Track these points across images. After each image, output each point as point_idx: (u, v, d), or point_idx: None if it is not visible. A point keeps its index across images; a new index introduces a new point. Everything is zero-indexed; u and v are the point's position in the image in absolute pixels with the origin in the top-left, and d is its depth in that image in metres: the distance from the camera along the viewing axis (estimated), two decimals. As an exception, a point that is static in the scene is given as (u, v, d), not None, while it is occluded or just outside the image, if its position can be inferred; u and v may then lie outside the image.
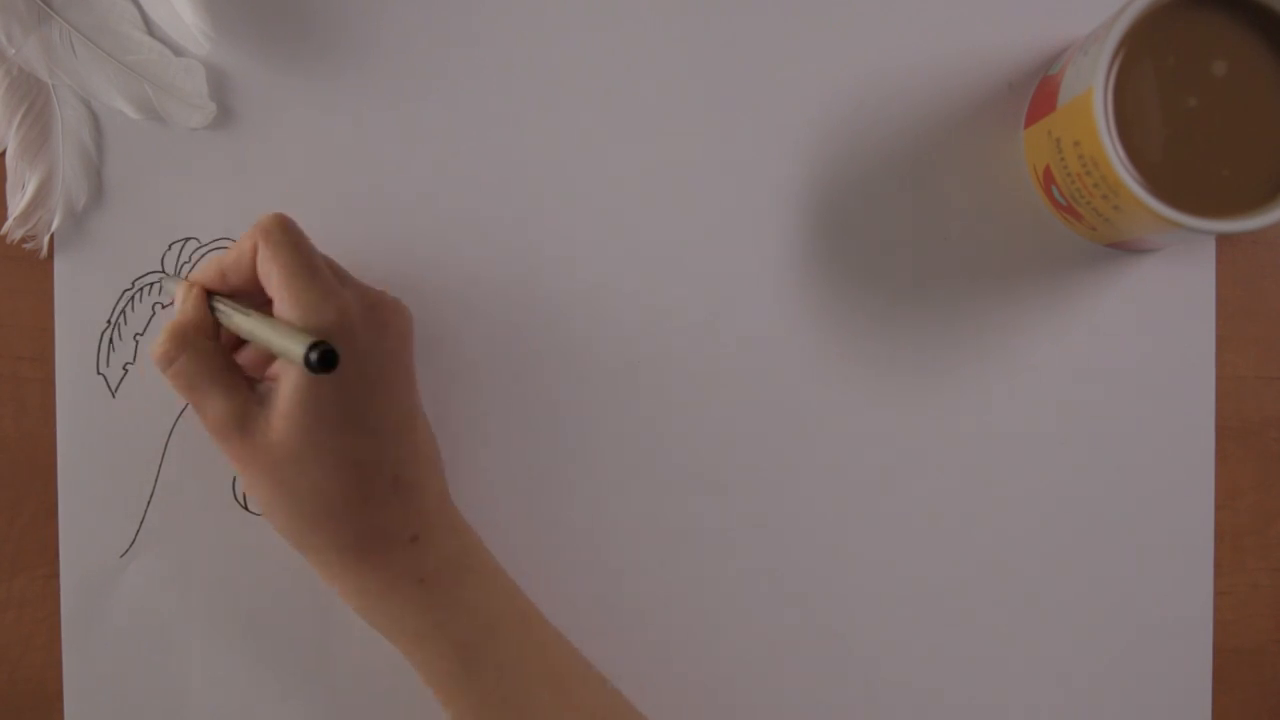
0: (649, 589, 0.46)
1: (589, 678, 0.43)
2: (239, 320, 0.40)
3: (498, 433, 0.46)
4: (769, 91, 0.46)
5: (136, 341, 0.46)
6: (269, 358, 0.41)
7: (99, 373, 0.46)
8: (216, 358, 0.40)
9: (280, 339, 0.37)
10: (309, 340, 0.35)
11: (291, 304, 0.38)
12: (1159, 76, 0.39)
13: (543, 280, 0.47)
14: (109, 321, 0.46)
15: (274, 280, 0.39)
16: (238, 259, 0.40)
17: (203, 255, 0.47)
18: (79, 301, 0.46)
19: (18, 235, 0.46)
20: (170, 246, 0.47)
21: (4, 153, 0.46)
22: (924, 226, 0.46)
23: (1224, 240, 0.46)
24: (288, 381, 0.39)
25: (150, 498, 0.46)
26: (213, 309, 0.41)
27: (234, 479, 0.46)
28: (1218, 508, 0.46)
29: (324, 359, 0.35)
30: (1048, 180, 0.44)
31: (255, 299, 0.41)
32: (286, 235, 0.39)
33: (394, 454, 0.41)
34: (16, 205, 0.46)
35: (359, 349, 0.39)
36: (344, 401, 0.39)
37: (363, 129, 0.46)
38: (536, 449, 0.46)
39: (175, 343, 0.40)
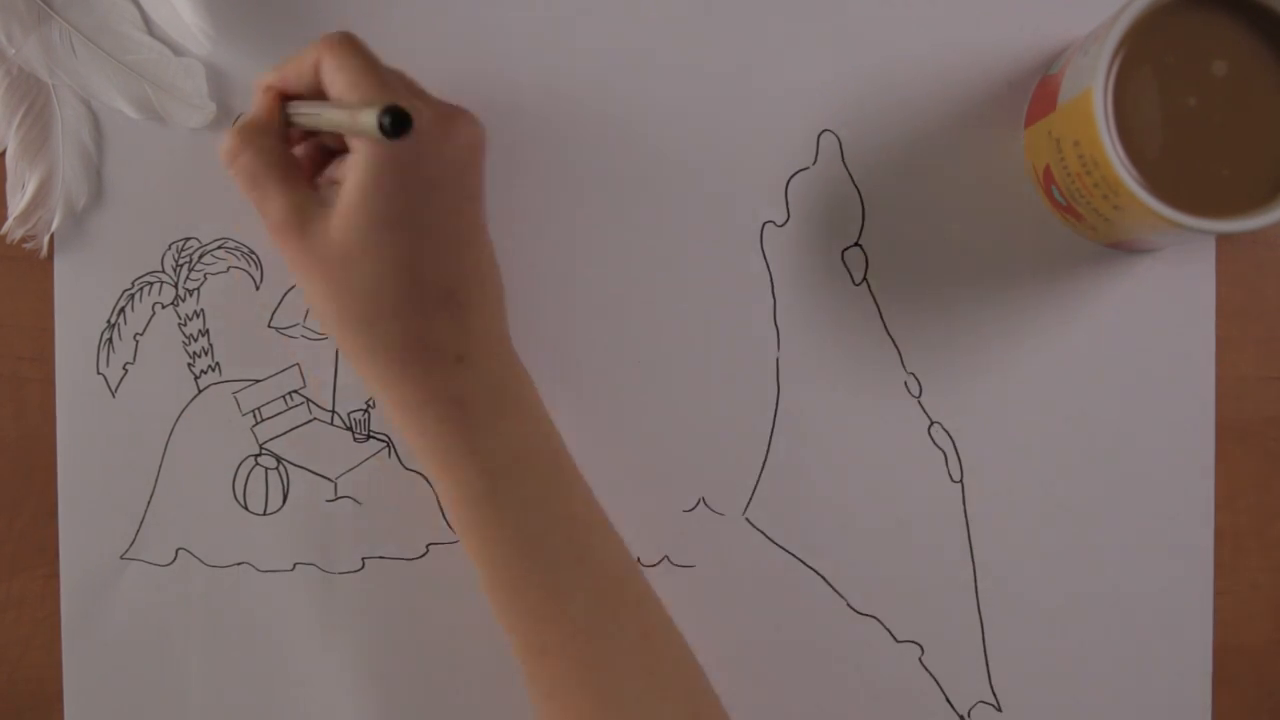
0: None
1: (609, 537, 0.42)
2: (310, 110, 0.40)
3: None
4: (769, 91, 0.46)
5: (136, 341, 0.46)
6: (342, 169, 0.41)
7: (99, 373, 0.46)
8: (280, 155, 0.40)
9: (350, 114, 0.36)
10: (380, 105, 0.34)
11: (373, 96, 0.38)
12: (1159, 76, 0.39)
13: (542, 279, 0.47)
14: (109, 322, 0.46)
15: (339, 88, 0.39)
16: (299, 71, 0.40)
17: (202, 255, 0.47)
18: (79, 301, 0.46)
19: (18, 235, 0.46)
20: (170, 246, 0.47)
21: (4, 153, 0.46)
22: (924, 226, 0.46)
23: (1224, 240, 0.46)
24: (352, 178, 0.39)
25: (150, 498, 0.47)
26: (284, 111, 0.41)
27: (234, 478, 0.46)
28: (1218, 508, 0.46)
29: (396, 120, 0.34)
30: (1048, 180, 0.44)
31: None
32: (352, 46, 0.40)
33: (451, 267, 0.40)
34: (16, 205, 0.46)
35: (424, 152, 0.39)
36: (405, 203, 0.39)
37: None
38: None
39: (242, 138, 0.40)
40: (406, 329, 0.40)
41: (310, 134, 0.43)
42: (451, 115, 0.40)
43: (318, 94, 0.41)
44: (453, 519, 0.41)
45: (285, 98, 0.42)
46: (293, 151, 0.42)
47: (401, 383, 0.40)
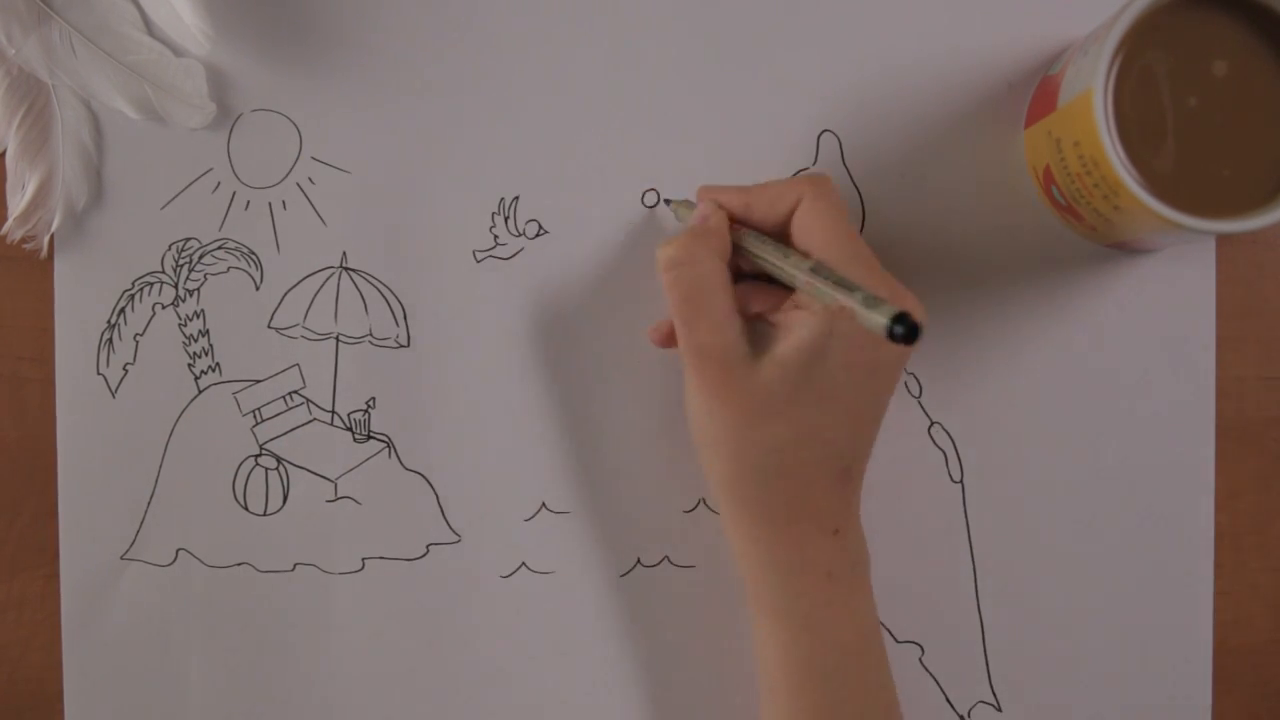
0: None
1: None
2: (780, 264, 0.39)
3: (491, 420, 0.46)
4: (769, 91, 0.46)
5: (136, 341, 0.46)
6: (775, 297, 0.41)
7: (99, 373, 0.46)
8: (722, 279, 0.40)
9: (854, 296, 0.35)
10: (894, 311, 0.33)
11: (847, 269, 0.38)
12: (1159, 76, 0.39)
13: (542, 277, 0.47)
14: (109, 322, 0.46)
15: (818, 238, 0.39)
16: (774, 199, 0.40)
17: (202, 256, 0.47)
18: (79, 301, 0.46)
19: (18, 235, 0.46)
20: (170, 246, 0.47)
21: (4, 153, 0.46)
22: (924, 226, 0.46)
23: (1224, 240, 0.46)
24: (801, 333, 0.38)
25: (150, 498, 0.47)
26: (738, 239, 0.41)
27: (234, 478, 0.46)
28: (1218, 508, 0.46)
29: (910, 331, 0.33)
30: (1048, 180, 0.44)
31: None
32: (834, 200, 0.40)
33: (856, 445, 0.40)
34: (16, 205, 0.46)
35: (873, 338, 0.38)
36: (843, 378, 0.39)
37: (362, 128, 0.46)
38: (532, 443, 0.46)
39: (691, 251, 0.39)
40: (802, 494, 0.39)
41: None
42: (899, 296, 0.40)
43: (780, 228, 0.41)
44: (780, 678, 0.41)
45: (736, 220, 0.41)
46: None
47: (776, 543, 0.40)
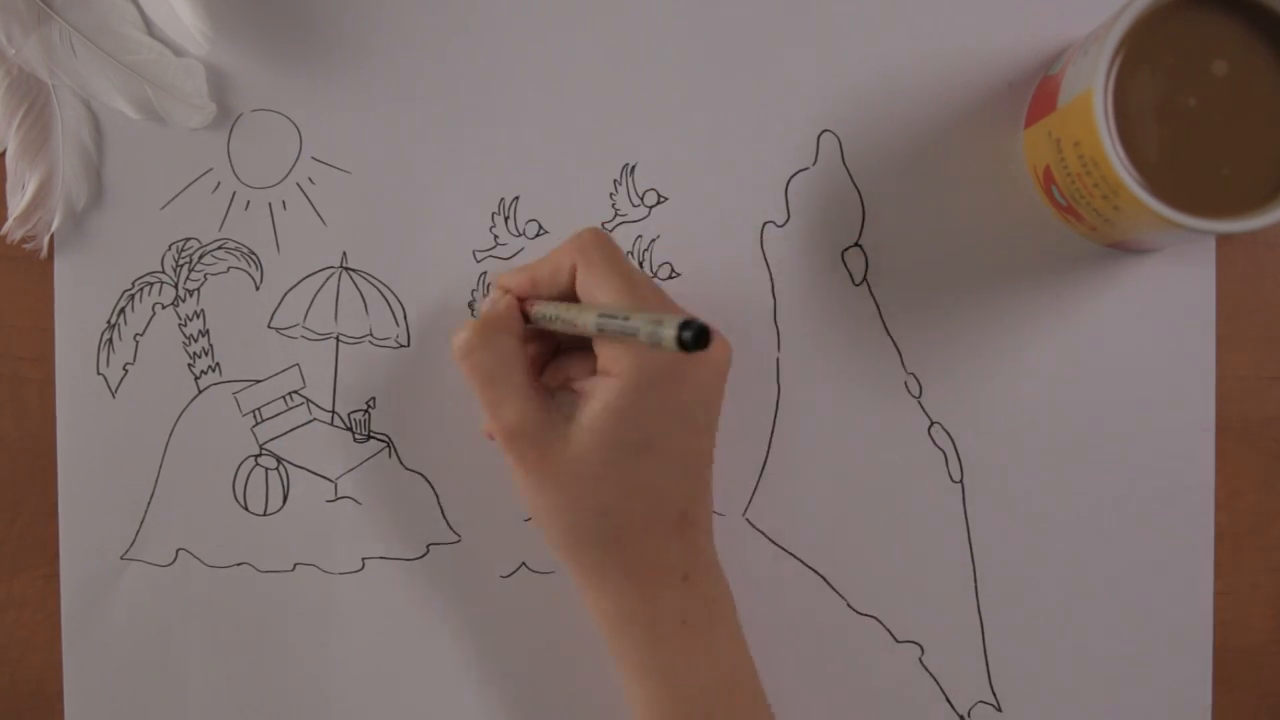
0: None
1: None
2: (571, 316, 0.38)
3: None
4: (769, 91, 0.46)
5: (136, 341, 0.46)
6: (566, 378, 0.41)
7: (99, 373, 0.46)
8: (519, 358, 0.40)
9: (635, 323, 0.35)
10: (678, 319, 0.32)
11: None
12: (1159, 76, 0.39)
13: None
14: (109, 322, 0.46)
15: (601, 290, 0.39)
16: (554, 272, 0.40)
17: (202, 256, 0.47)
18: (79, 301, 0.46)
19: (18, 235, 0.46)
20: (170, 246, 0.47)
21: (4, 153, 0.46)
22: (924, 226, 0.46)
23: (1224, 240, 0.46)
24: (603, 399, 0.38)
25: (150, 498, 0.47)
26: (526, 314, 0.41)
27: (234, 478, 0.46)
28: (1218, 508, 0.46)
29: (699, 336, 0.32)
30: (1048, 180, 0.44)
31: None
32: (608, 254, 0.40)
33: (688, 488, 0.40)
34: (16, 205, 0.46)
35: (677, 379, 0.39)
36: (656, 428, 0.39)
37: (362, 128, 0.46)
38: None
39: (482, 336, 0.40)
40: (641, 547, 0.40)
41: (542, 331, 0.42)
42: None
43: (568, 297, 0.41)
44: None
45: (524, 297, 0.41)
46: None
47: (628, 600, 0.40)
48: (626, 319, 0.36)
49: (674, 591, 0.40)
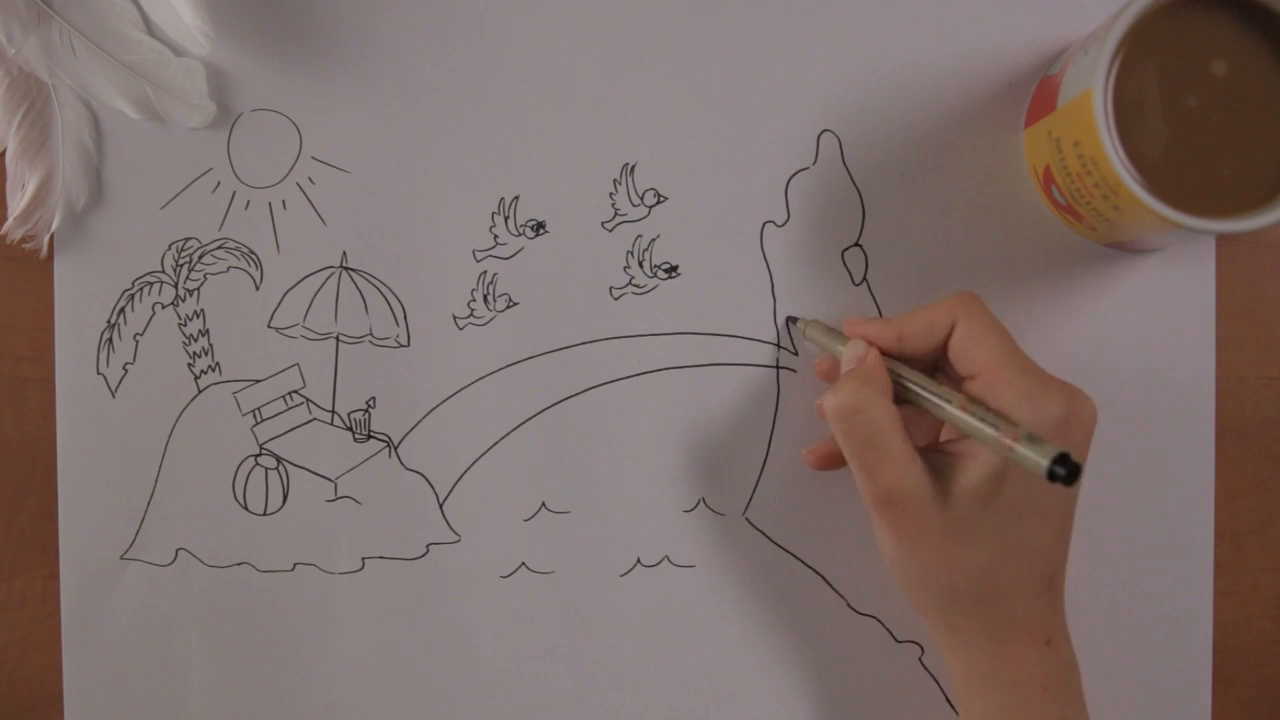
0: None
1: None
2: (941, 403, 0.39)
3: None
4: (769, 91, 0.46)
5: (136, 341, 0.46)
6: (924, 434, 0.41)
7: (99, 373, 0.46)
8: (895, 421, 0.39)
9: (1012, 441, 0.36)
10: (1054, 453, 0.34)
11: (1012, 393, 0.38)
12: (1159, 76, 0.39)
13: (543, 277, 0.47)
14: (109, 322, 0.46)
15: (981, 360, 0.39)
16: (927, 329, 0.40)
17: (202, 256, 0.47)
18: (79, 301, 0.46)
19: (18, 235, 0.46)
20: (170, 246, 0.47)
21: (4, 153, 0.46)
22: (924, 226, 0.46)
23: (1224, 240, 0.46)
24: (983, 463, 0.38)
25: (150, 498, 0.47)
26: (895, 377, 0.41)
27: (234, 478, 0.46)
28: (1218, 508, 0.46)
29: (1071, 473, 0.33)
30: (1048, 180, 0.44)
31: (919, 364, 0.41)
32: (990, 314, 0.39)
33: (1056, 553, 0.40)
34: (16, 205, 0.46)
35: (1055, 444, 0.38)
36: (1029, 491, 0.38)
37: (362, 128, 0.46)
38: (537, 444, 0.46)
39: (863, 398, 0.39)
40: (1012, 611, 0.39)
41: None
42: (1082, 398, 0.39)
43: (935, 354, 0.41)
44: None
45: (889, 354, 0.41)
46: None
47: (992, 662, 0.40)
48: (997, 427, 0.36)
49: (1037, 656, 0.40)
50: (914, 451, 0.39)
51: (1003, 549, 0.39)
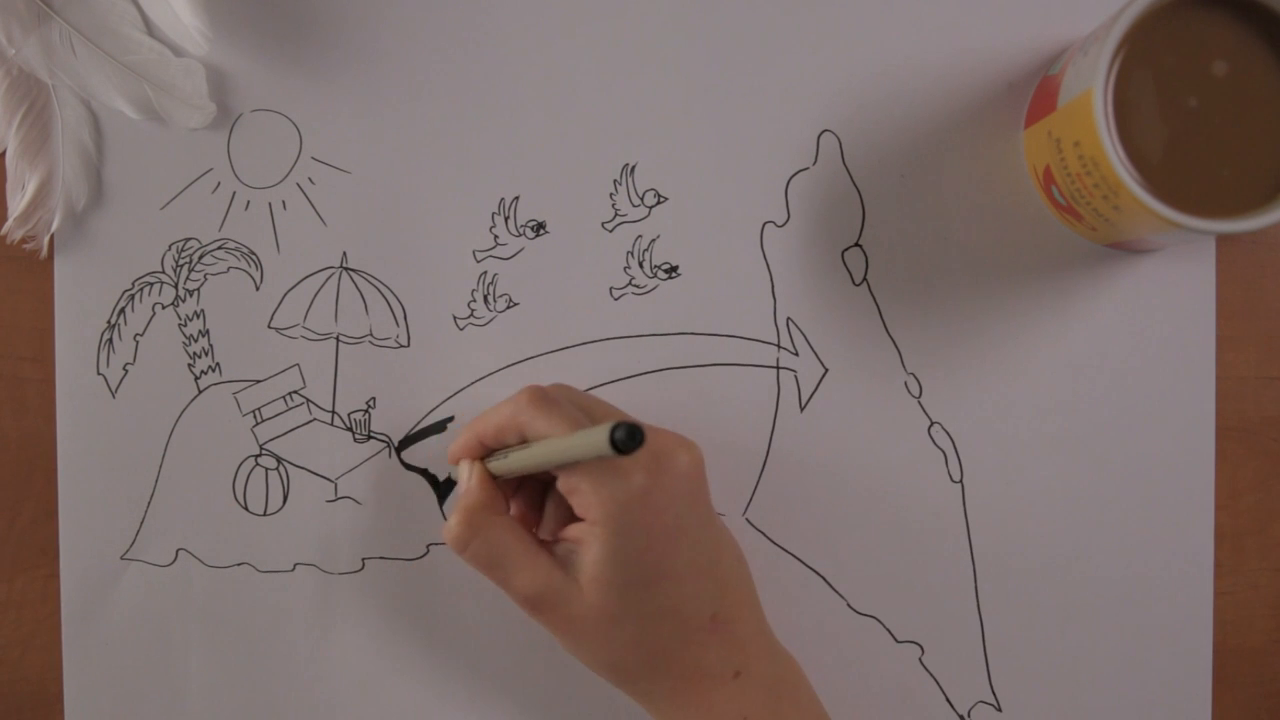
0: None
1: None
2: (523, 457, 0.39)
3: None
4: (769, 91, 0.46)
5: (136, 341, 0.46)
6: (561, 520, 0.41)
7: (99, 373, 0.46)
8: (513, 532, 0.40)
9: (573, 443, 0.36)
10: (608, 426, 0.34)
11: (580, 475, 0.38)
12: (1159, 76, 0.39)
13: (543, 278, 0.47)
14: (109, 322, 0.46)
15: (548, 431, 0.39)
16: (499, 430, 0.40)
17: (202, 256, 0.47)
18: (79, 301, 0.46)
19: (18, 235, 0.46)
20: (170, 246, 0.47)
21: (4, 153, 0.46)
22: (924, 226, 0.46)
23: (1224, 240, 0.46)
24: (594, 547, 0.38)
25: (150, 498, 0.47)
26: (497, 470, 0.41)
27: (234, 478, 0.46)
28: (1218, 508, 0.46)
29: (631, 435, 0.33)
30: (1048, 180, 0.44)
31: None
32: (550, 397, 0.40)
33: (707, 592, 0.40)
34: (16, 205, 0.46)
35: (655, 500, 0.38)
36: (653, 557, 0.39)
37: (362, 128, 0.46)
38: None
39: (471, 526, 0.40)
40: (684, 664, 0.40)
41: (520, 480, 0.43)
42: (664, 452, 0.39)
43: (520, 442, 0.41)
44: None
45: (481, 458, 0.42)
46: (513, 516, 0.42)
47: (683, 709, 0.40)
48: (559, 443, 0.37)
49: (727, 692, 0.40)
50: (538, 553, 0.40)
51: (648, 618, 0.39)
